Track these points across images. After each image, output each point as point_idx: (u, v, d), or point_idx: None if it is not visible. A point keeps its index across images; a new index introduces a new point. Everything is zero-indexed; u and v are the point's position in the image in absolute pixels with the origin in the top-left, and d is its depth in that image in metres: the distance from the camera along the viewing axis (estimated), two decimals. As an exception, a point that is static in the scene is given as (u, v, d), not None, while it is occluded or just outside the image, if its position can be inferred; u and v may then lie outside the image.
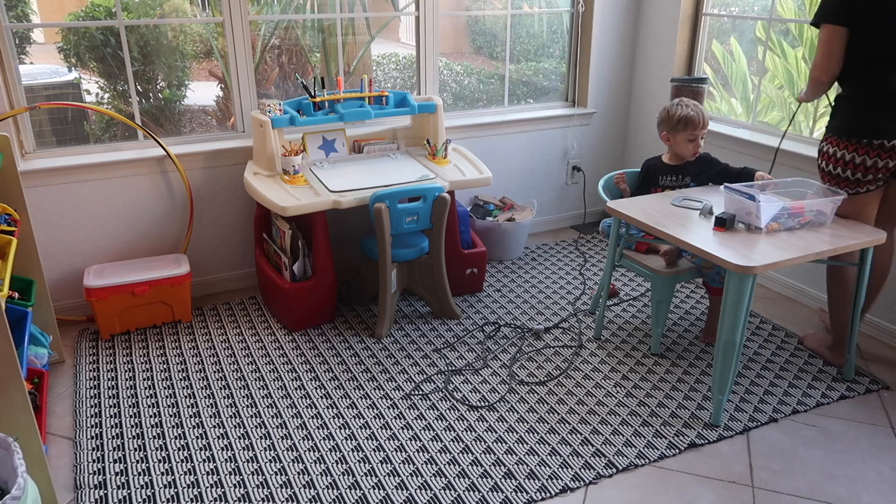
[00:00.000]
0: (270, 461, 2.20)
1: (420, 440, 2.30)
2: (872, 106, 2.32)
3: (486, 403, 2.49)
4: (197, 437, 2.31)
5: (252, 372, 2.69)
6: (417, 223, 2.88)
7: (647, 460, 2.21)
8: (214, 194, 3.21)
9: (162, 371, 2.69)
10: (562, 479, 2.12)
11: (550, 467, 2.17)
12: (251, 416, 2.42)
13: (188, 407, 2.47)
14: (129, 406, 2.48)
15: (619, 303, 3.25)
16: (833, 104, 2.47)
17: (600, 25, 3.87)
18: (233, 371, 2.69)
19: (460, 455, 2.22)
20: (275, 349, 2.85)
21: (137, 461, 2.20)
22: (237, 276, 3.39)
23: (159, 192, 3.11)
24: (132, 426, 2.37)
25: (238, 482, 2.11)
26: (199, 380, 2.64)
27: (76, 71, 3.27)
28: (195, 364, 2.74)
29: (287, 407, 2.47)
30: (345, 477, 2.13)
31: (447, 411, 2.45)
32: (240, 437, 2.31)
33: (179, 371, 2.69)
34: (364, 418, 2.41)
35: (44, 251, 2.83)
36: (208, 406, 2.48)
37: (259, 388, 2.58)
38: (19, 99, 2.83)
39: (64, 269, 3.02)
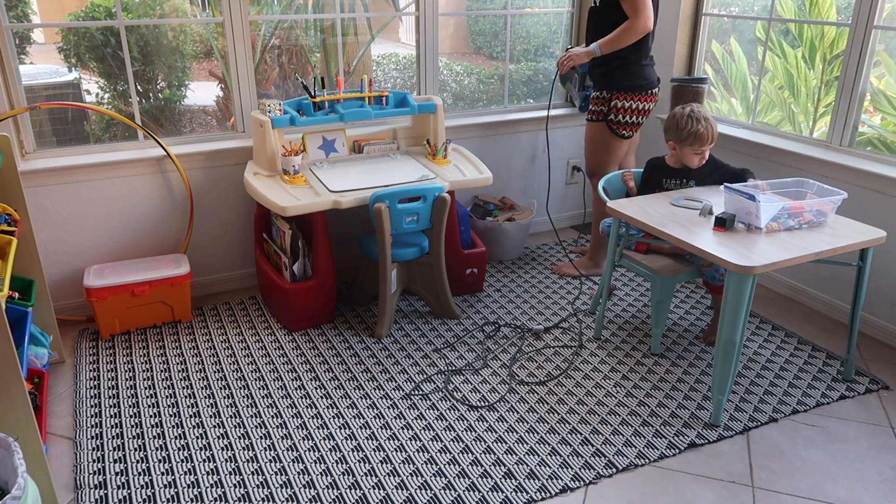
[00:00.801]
0: (270, 461, 2.20)
1: (420, 440, 2.30)
2: (647, 64, 3.11)
3: (486, 403, 2.49)
4: (197, 437, 2.31)
5: (252, 372, 2.69)
6: (417, 223, 2.88)
7: (646, 460, 2.21)
8: (214, 194, 3.21)
9: (162, 371, 2.69)
10: (562, 479, 2.12)
11: (550, 467, 2.17)
12: (251, 416, 2.42)
13: (188, 407, 2.47)
14: (130, 406, 2.48)
15: (623, 297, 3.25)
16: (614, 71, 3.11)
17: (600, 25, 3.87)
18: (233, 371, 2.69)
19: (460, 455, 2.22)
20: (275, 349, 2.85)
21: (137, 461, 2.20)
22: (237, 276, 3.40)
23: (159, 192, 3.11)
24: (132, 426, 2.37)
25: (238, 482, 2.11)
26: (199, 380, 2.64)
27: (76, 71, 3.27)
28: (195, 364, 2.74)
29: (287, 407, 2.47)
30: (345, 477, 2.13)
31: (447, 411, 2.45)
32: (240, 437, 2.31)
33: (179, 371, 2.69)
34: (364, 418, 2.41)
35: (44, 251, 2.83)
36: (208, 406, 2.48)
37: (259, 388, 2.58)
38: (19, 99, 2.83)
39: (64, 269, 3.02)
